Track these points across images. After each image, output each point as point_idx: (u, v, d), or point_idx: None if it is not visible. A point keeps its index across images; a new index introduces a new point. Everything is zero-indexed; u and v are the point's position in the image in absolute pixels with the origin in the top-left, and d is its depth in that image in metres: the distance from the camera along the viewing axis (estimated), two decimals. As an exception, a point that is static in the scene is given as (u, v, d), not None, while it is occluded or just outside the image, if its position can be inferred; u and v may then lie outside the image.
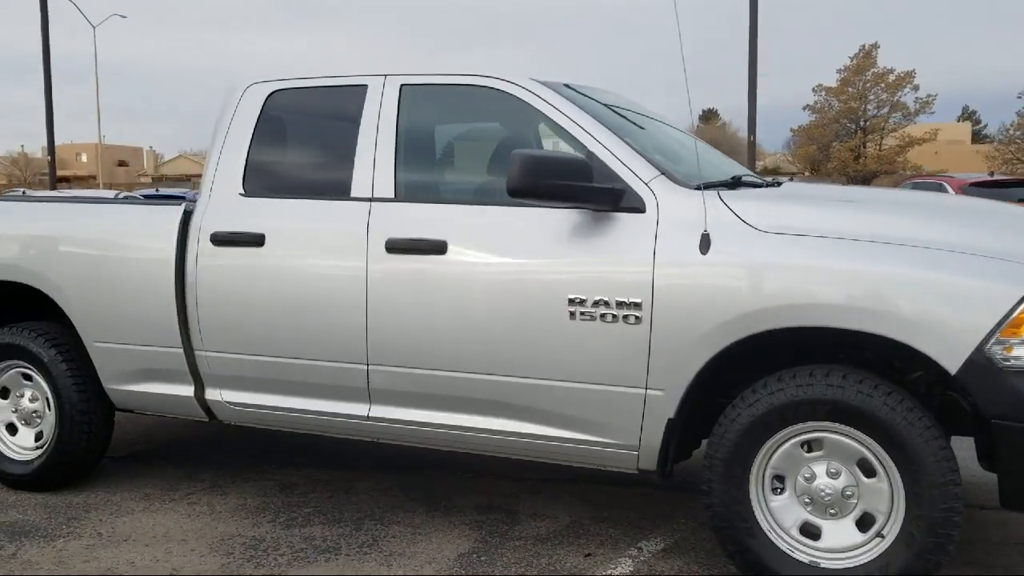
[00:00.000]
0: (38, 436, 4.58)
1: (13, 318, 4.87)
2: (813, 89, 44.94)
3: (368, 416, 3.85)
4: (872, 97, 42.57)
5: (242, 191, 4.08)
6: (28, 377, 4.57)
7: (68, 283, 4.31)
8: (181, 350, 4.14)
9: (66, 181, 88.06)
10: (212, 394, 4.18)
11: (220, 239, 4.01)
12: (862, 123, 42.49)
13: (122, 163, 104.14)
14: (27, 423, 4.60)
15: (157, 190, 17.95)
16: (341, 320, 3.78)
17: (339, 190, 3.90)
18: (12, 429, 4.65)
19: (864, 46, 41.82)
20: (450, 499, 4.37)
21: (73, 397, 4.39)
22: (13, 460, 4.58)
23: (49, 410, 4.51)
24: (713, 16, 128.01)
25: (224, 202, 4.10)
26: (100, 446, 4.57)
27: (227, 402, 4.13)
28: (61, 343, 4.46)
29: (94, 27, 47.92)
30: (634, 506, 4.26)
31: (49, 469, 4.47)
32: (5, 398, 4.65)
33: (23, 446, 4.61)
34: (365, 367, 3.78)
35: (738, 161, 4.84)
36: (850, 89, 42.58)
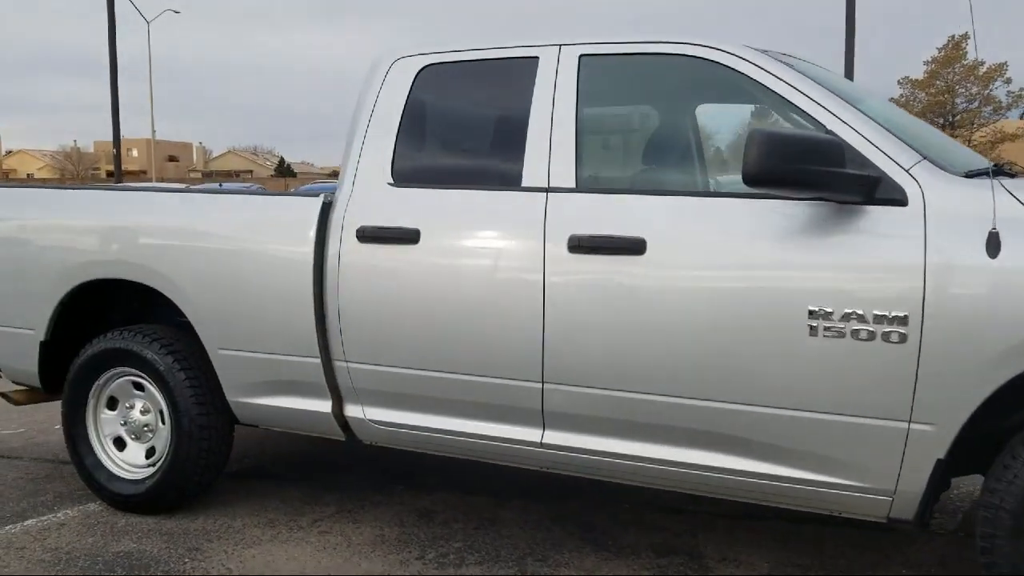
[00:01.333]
0: (149, 452, 4.11)
1: (119, 320, 4.42)
2: (899, 82, 43.44)
3: (541, 443, 3.31)
4: (961, 91, 41.09)
5: (391, 180, 3.56)
6: (139, 387, 4.10)
7: (191, 283, 3.82)
8: (318, 360, 3.64)
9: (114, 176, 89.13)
10: (352, 411, 3.67)
11: (367, 235, 3.50)
12: (950, 118, 41.04)
13: (172, 158, 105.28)
14: (137, 438, 4.13)
15: (220, 185, 17.59)
16: (512, 331, 3.25)
17: (507, 179, 3.37)
18: (120, 444, 4.18)
19: (953, 37, 40.29)
20: (616, 536, 3.82)
21: (192, 410, 3.90)
22: (122, 479, 4.12)
23: (163, 424, 4.04)
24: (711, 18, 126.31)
25: (370, 193, 3.58)
26: (219, 464, 4.09)
27: (370, 420, 3.62)
28: (178, 350, 3.98)
29: (148, 22, 48.10)
30: (841, 550, 3.67)
31: (163, 489, 3.99)
32: (113, 409, 4.19)
33: (133, 463, 4.14)
34: (540, 386, 3.24)
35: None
36: (938, 82, 41.00)
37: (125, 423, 4.14)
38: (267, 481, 4.54)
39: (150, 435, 4.10)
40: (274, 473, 4.70)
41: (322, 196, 3.69)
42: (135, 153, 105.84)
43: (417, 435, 3.55)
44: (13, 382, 4.55)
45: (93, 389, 4.15)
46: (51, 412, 5.77)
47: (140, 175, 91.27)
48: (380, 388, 3.55)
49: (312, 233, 3.60)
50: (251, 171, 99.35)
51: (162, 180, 59.98)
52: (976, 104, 40.86)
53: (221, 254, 3.77)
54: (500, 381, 3.30)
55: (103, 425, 4.19)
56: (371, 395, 3.59)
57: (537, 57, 3.42)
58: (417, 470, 4.64)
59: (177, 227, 3.89)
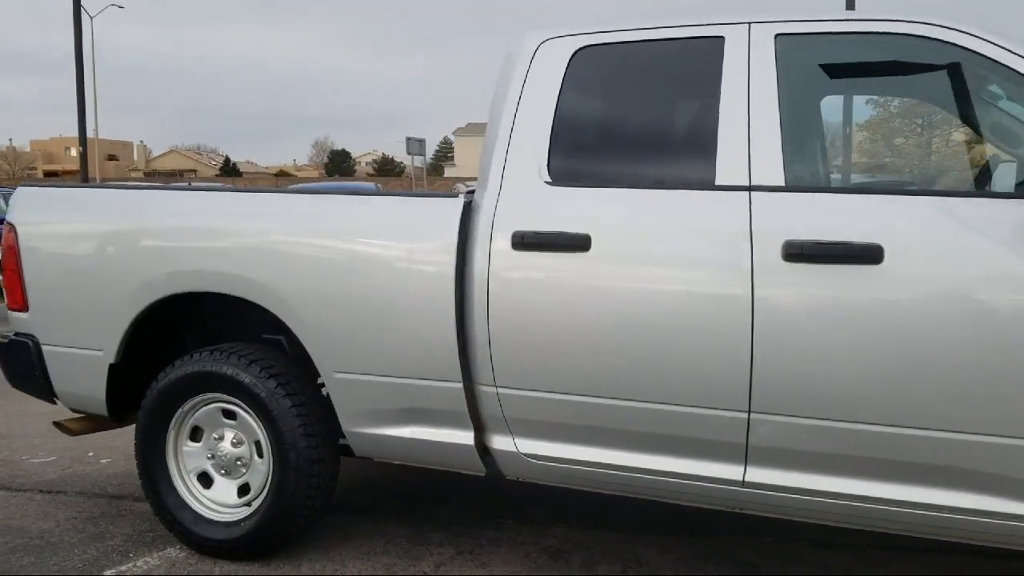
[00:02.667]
0: (242, 490, 3.60)
1: (193, 339, 3.91)
2: None
3: (744, 481, 2.88)
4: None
5: (548, 179, 3.11)
6: (230, 415, 3.58)
7: (302, 298, 3.32)
8: (459, 385, 3.17)
9: (55, 175, 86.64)
10: (500, 442, 3.21)
11: (526, 241, 3.04)
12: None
13: (112, 157, 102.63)
14: (227, 473, 3.61)
15: (190, 184, 16.85)
16: (711, 353, 2.82)
17: (695, 177, 2.95)
18: (206, 480, 3.67)
19: None
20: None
21: (300, 442, 3.40)
22: (211, 521, 3.60)
23: (260, 457, 3.53)
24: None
25: (523, 193, 3.12)
26: (326, 503, 3.59)
27: (523, 454, 3.16)
28: (281, 373, 3.48)
29: (92, 17, 46.59)
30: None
31: (264, 533, 3.48)
32: (197, 441, 3.66)
33: (222, 502, 3.63)
34: (745, 416, 2.81)
35: None
36: None
37: (212, 456, 3.62)
38: (357, 517, 4.05)
39: (243, 470, 3.59)
40: (359, 506, 4.21)
41: (462, 196, 3.22)
42: (73, 152, 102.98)
43: (581, 471, 3.10)
44: (71, 409, 3.99)
45: (175, 418, 3.63)
46: (79, 437, 5.21)
47: (78, 174, 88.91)
48: (539, 418, 3.09)
49: (454, 239, 3.13)
50: (195, 170, 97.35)
51: (104, 179, 58.23)
52: None
53: (340, 264, 3.28)
54: (694, 411, 2.87)
55: (186, 459, 3.67)
56: (526, 425, 3.13)
57: (722, 37, 3.00)
58: (520, 502, 4.18)
59: (286, 233, 3.38)
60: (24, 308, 3.83)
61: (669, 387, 2.88)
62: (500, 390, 3.11)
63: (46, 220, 3.83)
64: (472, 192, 3.27)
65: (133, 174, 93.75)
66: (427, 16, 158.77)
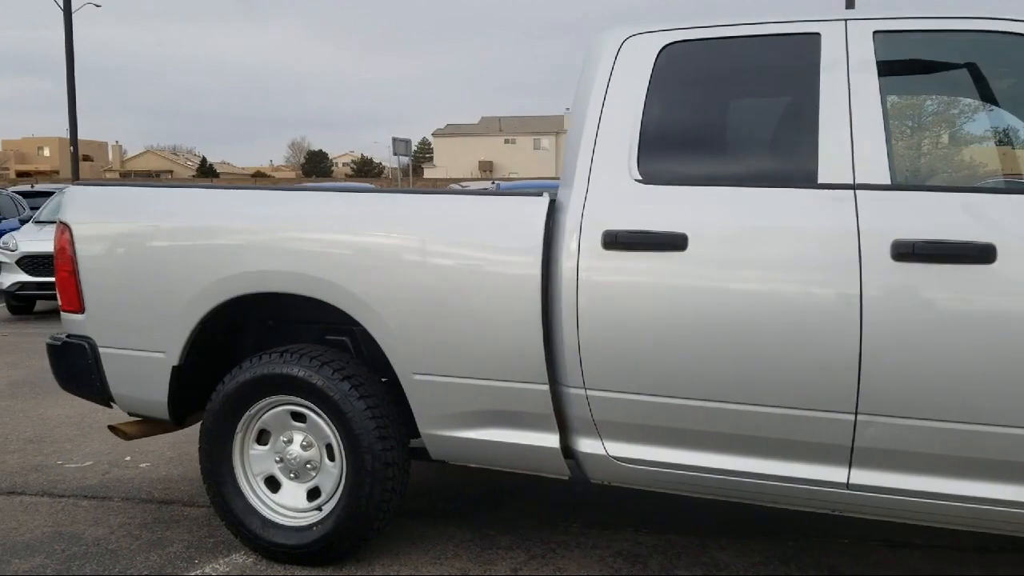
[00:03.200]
0: (312, 493, 3.52)
1: (251, 340, 3.83)
2: None
3: (848, 483, 2.84)
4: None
5: (638, 177, 3.06)
6: (298, 417, 3.50)
7: (380, 298, 3.25)
8: (546, 387, 3.11)
9: (28, 176, 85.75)
10: (587, 445, 3.15)
11: (619, 240, 2.99)
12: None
13: (87, 157, 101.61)
14: (296, 476, 3.53)
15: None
16: (816, 355, 2.78)
17: (795, 175, 2.91)
18: (273, 484, 3.58)
19: None
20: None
21: (375, 445, 3.33)
22: (280, 526, 3.52)
23: (330, 460, 3.46)
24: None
25: (612, 192, 3.07)
26: (399, 507, 3.51)
27: (613, 457, 3.10)
28: (354, 375, 3.40)
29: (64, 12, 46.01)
30: None
31: (336, 537, 3.41)
32: (264, 444, 3.58)
33: (291, 507, 3.55)
34: (852, 417, 2.78)
35: None
36: None
37: (281, 460, 3.55)
38: (418, 520, 3.98)
39: (313, 474, 3.51)
40: (418, 509, 4.13)
41: (546, 195, 3.16)
42: (47, 152, 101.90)
43: (674, 474, 3.05)
44: (129, 413, 3.89)
45: (242, 421, 3.55)
46: (111, 441, 5.14)
47: (52, 175, 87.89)
48: (631, 420, 3.04)
49: (539, 238, 3.07)
50: (171, 171, 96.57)
51: (81, 179, 57.55)
52: None
53: (420, 264, 3.22)
54: (799, 413, 2.83)
55: (252, 462, 3.58)
56: (616, 428, 3.08)
57: (818, 34, 2.96)
58: (576, 504, 4.13)
59: (363, 233, 3.31)
60: (80, 310, 3.73)
61: (772, 390, 2.84)
62: (590, 392, 3.06)
63: (103, 220, 3.74)
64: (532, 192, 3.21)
65: (108, 175, 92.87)
66: (403, 17, 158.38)
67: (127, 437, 3.95)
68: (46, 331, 9.87)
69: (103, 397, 3.81)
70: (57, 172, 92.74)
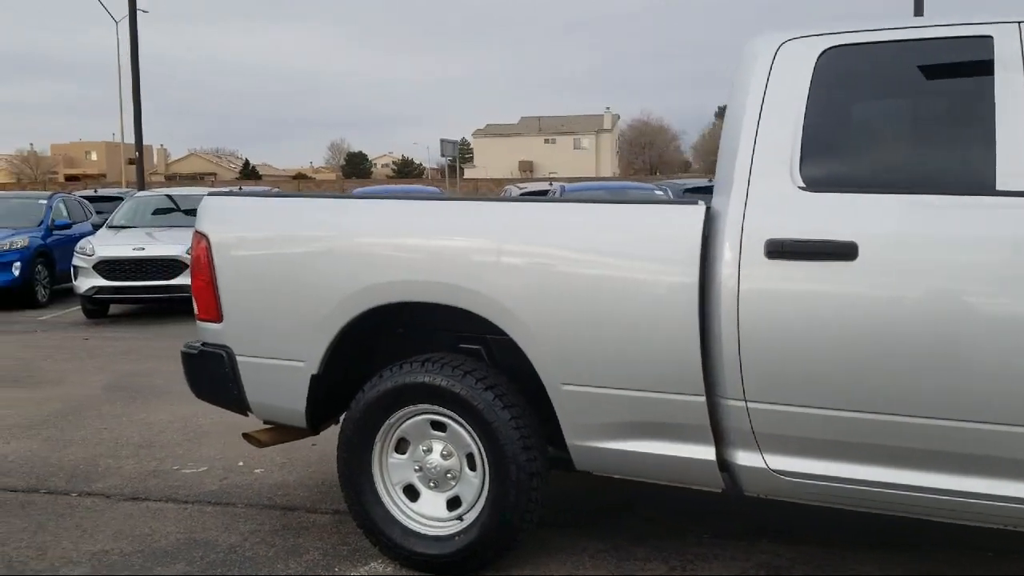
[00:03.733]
0: (452, 503, 3.51)
1: (383, 349, 3.83)
2: None
3: (1033, 496, 2.76)
4: None
5: (800, 184, 3.00)
6: (438, 426, 3.49)
7: (528, 308, 3.23)
8: (702, 399, 3.07)
9: (76, 179, 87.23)
10: (744, 458, 3.11)
11: (785, 249, 2.94)
12: None
13: (132, 161, 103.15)
14: (436, 486, 3.53)
15: (240, 188, 16.77)
16: (1003, 367, 2.71)
17: (969, 182, 2.84)
18: (412, 493, 3.58)
19: None
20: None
21: (520, 456, 3.31)
22: (421, 535, 3.51)
23: (471, 470, 3.45)
24: (733, 11, 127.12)
25: (773, 200, 3.02)
26: (540, 517, 3.49)
27: (774, 470, 3.05)
28: (496, 384, 3.39)
29: (116, 22, 46.71)
30: None
31: (480, 547, 3.40)
32: (402, 453, 3.58)
33: (431, 516, 3.54)
34: (1033, 430, 2.70)
35: None
36: None
37: (420, 469, 3.54)
38: (547, 529, 3.94)
39: (452, 483, 3.50)
40: (542, 519, 4.09)
41: (701, 203, 3.12)
42: (94, 156, 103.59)
43: (839, 488, 2.99)
44: (264, 421, 3.91)
45: (382, 430, 3.55)
46: (219, 445, 5.18)
47: (100, 179, 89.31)
48: (795, 433, 2.99)
49: (697, 247, 3.03)
50: (215, 174, 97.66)
51: (128, 183, 58.47)
52: None
53: (571, 274, 3.20)
54: (981, 427, 2.76)
55: (391, 471, 3.58)
56: (778, 441, 3.03)
57: (990, 36, 2.89)
58: (701, 514, 4.08)
59: (511, 242, 3.30)
60: (217, 318, 3.76)
61: (951, 402, 2.77)
62: (750, 404, 3.01)
63: (241, 229, 3.76)
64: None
65: (153, 178, 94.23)
66: (442, 17, 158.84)
67: (260, 444, 3.97)
68: (125, 335, 10.05)
69: (240, 405, 3.83)
70: (104, 176, 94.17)
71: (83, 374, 7.77)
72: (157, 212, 12.94)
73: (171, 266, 11.07)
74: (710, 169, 60.88)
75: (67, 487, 4.63)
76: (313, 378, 3.61)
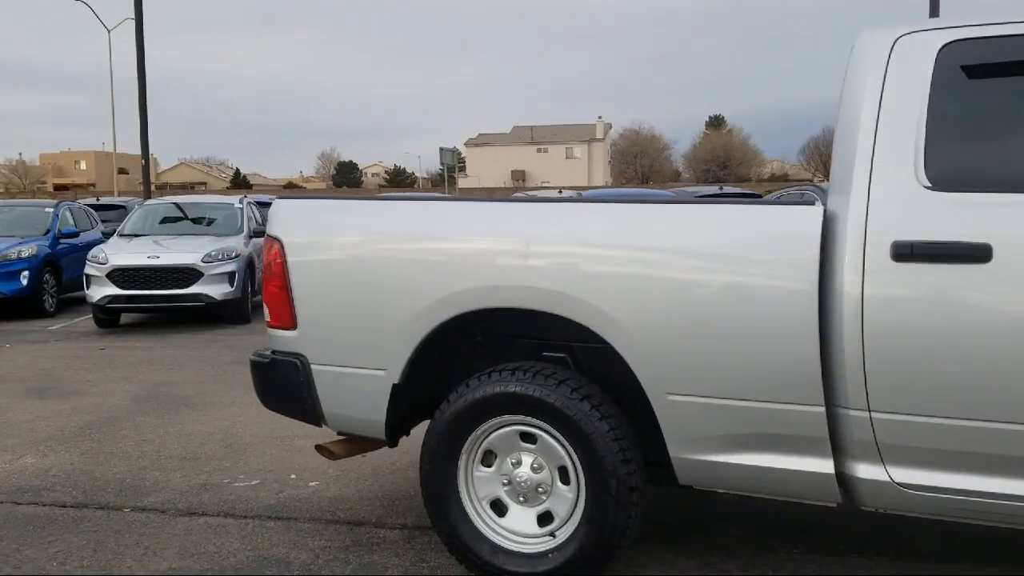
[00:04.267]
0: (543, 518, 3.36)
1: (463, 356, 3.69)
2: None
3: None
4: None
5: (926, 183, 2.88)
6: (527, 438, 3.35)
7: (631, 315, 3.10)
8: (821, 409, 2.93)
9: (65, 189, 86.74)
10: (866, 471, 2.97)
11: (914, 252, 2.81)
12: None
13: (122, 171, 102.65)
14: (525, 500, 3.38)
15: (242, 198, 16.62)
16: None
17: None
18: (499, 508, 3.42)
19: None
20: None
21: (620, 469, 3.17)
22: (512, 552, 3.36)
23: (564, 484, 3.30)
24: (719, 21, 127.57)
25: (898, 200, 2.89)
26: (638, 532, 3.35)
27: (898, 483, 2.91)
28: (591, 393, 3.25)
29: (109, 31, 46.49)
30: None
31: (575, 565, 3.25)
32: (489, 466, 3.42)
33: (521, 532, 3.39)
34: None
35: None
36: None
37: (508, 483, 3.39)
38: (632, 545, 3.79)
39: (543, 497, 3.36)
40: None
41: (819, 204, 2.99)
42: (83, 165, 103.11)
43: (971, 501, 2.85)
44: (338, 432, 3.76)
45: (468, 441, 3.40)
46: (265, 458, 5.02)
47: (88, 188, 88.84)
48: (923, 445, 2.86)
49: (815, 250, 2.90)
50: (205, 183, 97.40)
51: (120, 193, 58.21)
52: None
53: (677, 278, 3.06)
54: (1122, 435, 2.63)
55: (478, 485, 3.43)
56: (904, 453, 2.89)
57: (1125, 29, 2.77)
58: (787, 525, 3.95)
59: (613, 246, 3.16)
60: (291, 326, 3.61)
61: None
62: (875, 415, 2.88)
63: (318, 233, 3.62)
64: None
65: (142, 187, 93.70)
66: (430, 29, 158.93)
67: (334, 457, 3.82)
68: (140, 344, 9.85)
69: (312, 416, 3.68)
70: (94, 185, 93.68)
71: (108, 384, 7.59)
72: (168, 220, 12.77)
73: (186, 274, 10.90)
74: (701, 178, 60.41)
75: (118, 502, 4.46)
76: (394, 387, 3.46)
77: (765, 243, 2.99)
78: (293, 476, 4.85)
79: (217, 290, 11.00)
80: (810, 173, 80.00)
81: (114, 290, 10.85)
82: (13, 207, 14.98)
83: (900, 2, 30.64)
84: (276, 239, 3.63)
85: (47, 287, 12.84)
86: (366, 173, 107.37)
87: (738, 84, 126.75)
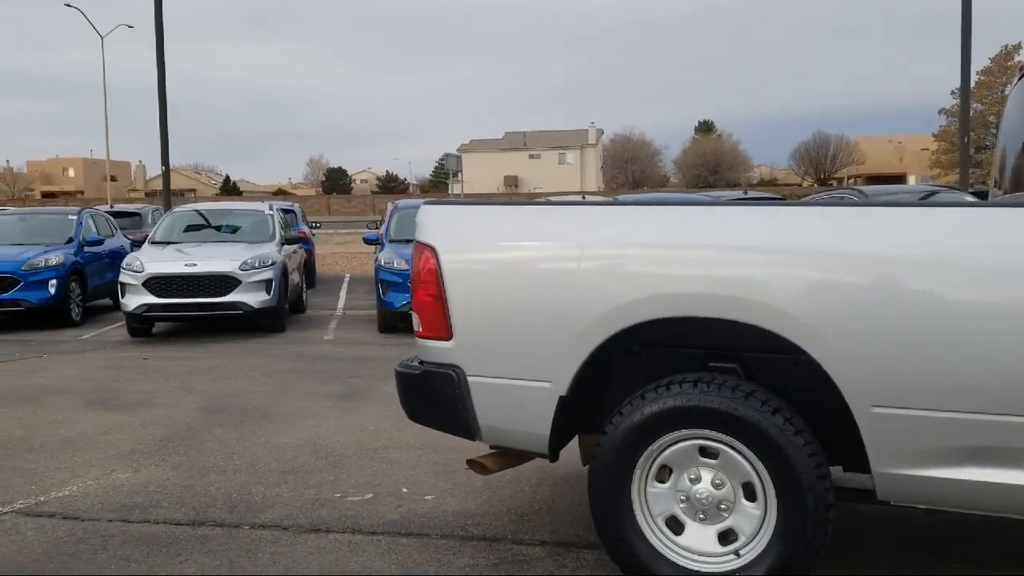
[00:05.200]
0: (724, 537, 3.22)
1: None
2: (951, 92, 46.95)
3: None
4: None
5: None
6: (706, 452, 3.21)
7: (832, 323, 2.98)
8: (1046, 420, 2.80)
9: (53, 196, 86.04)
10: (1090, 484, 2.84)
11: None
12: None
13: (111, 178, 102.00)
14: (704, 518, 3.24)
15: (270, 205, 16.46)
16: None
17: None
18: (675, 526, 3.28)
19: (1006, 47, 41.38)
20: None
21: (817, 485, 3.04)
22: (692, 571, 3.22)
23: (749, 500, 3.17)
24: (706, 24, 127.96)
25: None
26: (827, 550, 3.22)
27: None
28: (781, 407, 3.12)
29: (102, 37, 46.22)
30: None
31: (766, 586, 3.10)
32: (663, 482, 3.29)
33: (701, 551, 3.25)
34: None
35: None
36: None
37: (686, 499, 3.26)
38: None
39: (725, 515, 3.22)
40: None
41: None
42: (71, 173, 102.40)
43: None
44: (491, 446, 3.62)
45: (644, 456, 3.26)
46: (367, 470, 4.89)
47: (76, 195, 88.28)
48: None
49: (1045, 256, 2.77)
50: (194, 190, 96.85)
51: (115, 200, 57.80)
52: None
53: (886, 286, 2.93)
54: None
55: (652, 502, 3.30)
56: None
57: None
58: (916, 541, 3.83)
59: (815, 253, 3.03)
60: (446, 336, 3.46)
61: None
62: (1103, 424, 2.75)
63: (477, 239, 3.48)
64: None
65: (132, 194, 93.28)
66: (420, 36, 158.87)
67: (486, 472, 3.68)
68: (183, 354, 9.66)
69: (467, 429, 3.54)
70: (82, 192, 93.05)
71: (168, 395, 7.41)
72: (198, 227, 12.56)
73: (224, 282, 10.72)
74: (691, 183, 60.88)
75: (233, 519, 4.29)
76: (561, 400, 3.32)
77: (993, 247, 2.86)
78: (405, 490, 4.71)
79: (255, 298, 10.81)
80: (799, 177, 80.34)
81: (151, 299, 10.65)
82: (35, 214, 14.75)
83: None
84: (429, 246, 3.49)
85: (73, 296, 12.61)
86: (355, 179, 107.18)
87: (728, 90, 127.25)
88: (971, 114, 45.60)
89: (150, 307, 10.69)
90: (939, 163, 56.38)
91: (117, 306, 14.13)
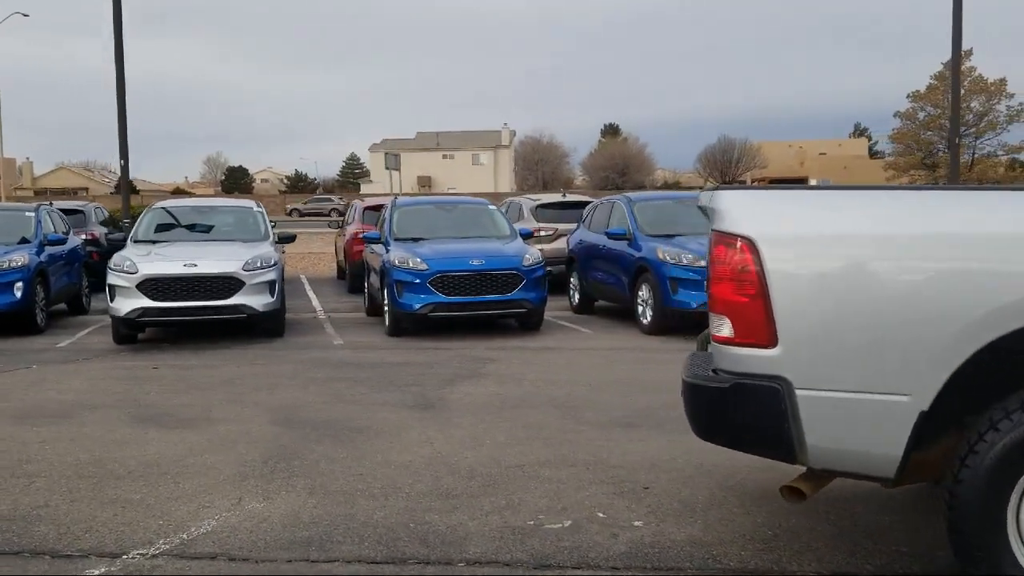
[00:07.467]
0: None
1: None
2: (908, 95, 50.38)
3: None
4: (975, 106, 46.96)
5: None
6: (1092, 472, 2.82)
7: None
8: None
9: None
10: None
11: None
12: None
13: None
14: (1089, 546, 2.84)
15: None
16: None
17: None
18: (1053, 555, 2.88)
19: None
20: None
21: None
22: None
23: None
24: (612, 30, 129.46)
25: None
26: None
27: None
28: None
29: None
30: None
31: None
32: (1036, 507, 2.88)
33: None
34: None
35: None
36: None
37: (1051, 526, 2.85)
38: None
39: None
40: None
41: None
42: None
43: None
44: (809, 468, 3.15)
45: (1022, 480, 2.85)
46: (534, 492, 4.41)
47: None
48: None
49: None
50: (87, 188, 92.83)
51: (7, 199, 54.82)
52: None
53: None
54: None
55: (1025, 529, 2.89)
56: None
57: None
58: None
59: None
60: (769, 343, 2.99)
61: None
62: None
63: (809, 232, 3.01)
64: None
65: (19, 192, 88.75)
66: (324, 33, 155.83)
67: (802, 498, 3.21)
68: (191, 362, 8.85)
69: (788, 450, 3.07)
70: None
71: (222, 409, 6.67)
72: (184, 226, 11.58)
73: (227, 284, 9.89)
74: (599, 185, 61.78)
75: (437, 555, 3.73)
76: (921, 415, 2.88)
77: None
78: (601, 515, 4.19)
79: (259, 301, 10.02)
80: (703, 180, 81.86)
81: (146, 302, 9.73)
82: (-10, 211, 13.46)
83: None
84: (745, 238, 3.00)
85: (38, 300, 11.48)
86: (256, 179, 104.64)
87: (636, 97, 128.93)
88: (923, 117, 48.59)
89: (145, 311, 9.78)
90: (895, 166, 57.74)
91: (74, 311, 13.14)
